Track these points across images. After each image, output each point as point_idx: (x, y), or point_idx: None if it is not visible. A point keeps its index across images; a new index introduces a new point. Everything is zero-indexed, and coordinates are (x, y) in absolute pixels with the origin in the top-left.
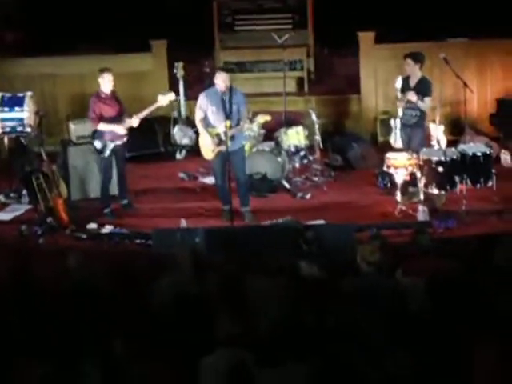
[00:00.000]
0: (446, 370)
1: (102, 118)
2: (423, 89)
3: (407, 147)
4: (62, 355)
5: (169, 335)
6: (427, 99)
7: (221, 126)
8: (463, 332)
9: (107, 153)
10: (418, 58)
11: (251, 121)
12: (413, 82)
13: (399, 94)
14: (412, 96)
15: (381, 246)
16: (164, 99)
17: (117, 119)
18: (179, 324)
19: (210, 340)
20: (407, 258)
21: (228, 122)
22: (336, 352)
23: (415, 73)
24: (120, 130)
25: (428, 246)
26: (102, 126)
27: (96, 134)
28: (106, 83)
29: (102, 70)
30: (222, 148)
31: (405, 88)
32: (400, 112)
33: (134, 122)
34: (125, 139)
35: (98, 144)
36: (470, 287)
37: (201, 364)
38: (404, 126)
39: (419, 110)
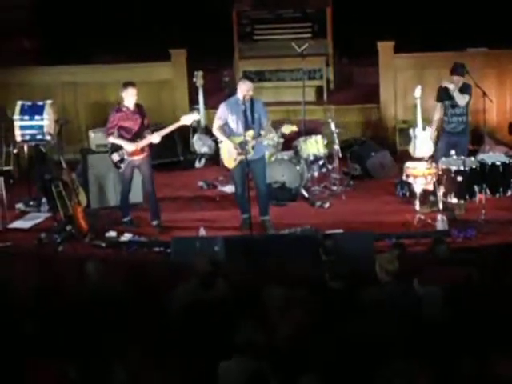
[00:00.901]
0: (463, 378)
1: (120, 131)
2: (464, 90)
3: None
4: (87, 358)
5: (186, 342)
6: (466, 95)
7: (243, 136)
8: (481, 341)
9: (123, 167)
10: (464, 72)
11: (276, 131)
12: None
13: (419, 103)
14: (449, 84)
15: (399, 255)
16: (187, 119)
17: (136, 134)
18: (196, 331)
19: (227, 347)
20: (425, 267)
21: (251, 132)
22: (353, 362)
23: (459, 83)
24: (129, 147)
25: (446, 256)
26: (112, 140)
27: (114, 147)
28: (130, 97)
29: (126, 84)
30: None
31: (443, 97)
32: (417, 119)
33: (155, 138)
34: (143, 155)
35: (115, 157)
36: (488, 296)
37: (219, 368)
38: (450, 134)
39: (466, 116)
